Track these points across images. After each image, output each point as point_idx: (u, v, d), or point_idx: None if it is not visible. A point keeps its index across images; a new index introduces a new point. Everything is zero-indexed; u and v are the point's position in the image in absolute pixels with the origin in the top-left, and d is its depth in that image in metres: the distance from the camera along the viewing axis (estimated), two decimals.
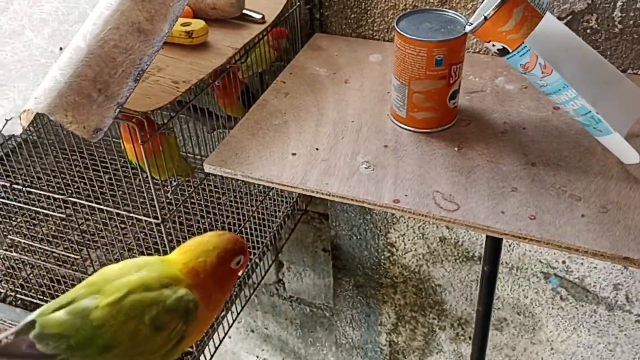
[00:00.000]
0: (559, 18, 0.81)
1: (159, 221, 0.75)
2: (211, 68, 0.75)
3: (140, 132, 0.66)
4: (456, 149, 0.70)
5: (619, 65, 0.82)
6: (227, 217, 1.00)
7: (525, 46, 0.62)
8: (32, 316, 0.43)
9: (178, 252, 0.53)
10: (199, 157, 1.09)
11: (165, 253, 0.74)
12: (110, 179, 1.01)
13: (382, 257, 1.18)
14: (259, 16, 0.85)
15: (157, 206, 0.73)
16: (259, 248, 1.03)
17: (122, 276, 0.46)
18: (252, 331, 1.56)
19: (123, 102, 0.57)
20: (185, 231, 0.96)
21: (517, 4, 0.60)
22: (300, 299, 1.43)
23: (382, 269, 1.19)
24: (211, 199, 1.04)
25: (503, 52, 0.63)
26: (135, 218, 0.77)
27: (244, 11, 0.85)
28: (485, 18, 0.62)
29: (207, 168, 0.69)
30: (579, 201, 0.62)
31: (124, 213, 0.78)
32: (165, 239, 0.78)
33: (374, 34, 0.93)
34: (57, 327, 0.42)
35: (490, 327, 0.94)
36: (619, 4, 0.78)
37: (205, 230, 0.82)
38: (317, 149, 0.71)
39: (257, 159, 0.69)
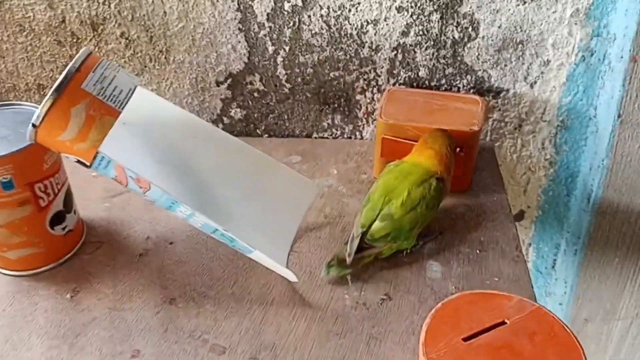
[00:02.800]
0: (218, 83, 0.66)
1: None
2: None
3: None
4: (70, 295, 0.50)
5: (301, 130, 0.69)
6: None
7: (103, 156, 0.43)
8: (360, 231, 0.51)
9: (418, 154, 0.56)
10: None
11: None
12: None
13: None
14: None
15: None
16: None
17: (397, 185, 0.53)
18: None
19: None
20: None
21: (74, 102, 0.42)
22: None
23: None
24: None
25: (84, 165, 0.45)
26: None
27: None
28: (35, 125, 0.43)
29: None
30: (223, 354, 0.45)
31: None
32: None
33: None
34: (382, 231, 0.50)
35: None
36: (279, 59, 0.64)
37: None
38: None
39: None
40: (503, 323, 0.42)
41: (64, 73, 0.42)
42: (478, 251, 0.53)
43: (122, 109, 0.43)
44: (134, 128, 0.49)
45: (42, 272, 0.51)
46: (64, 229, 0.52)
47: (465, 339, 0.41)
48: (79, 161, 0.44)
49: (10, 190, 0.47)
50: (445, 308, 0.43)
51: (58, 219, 0.51)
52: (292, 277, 0.49)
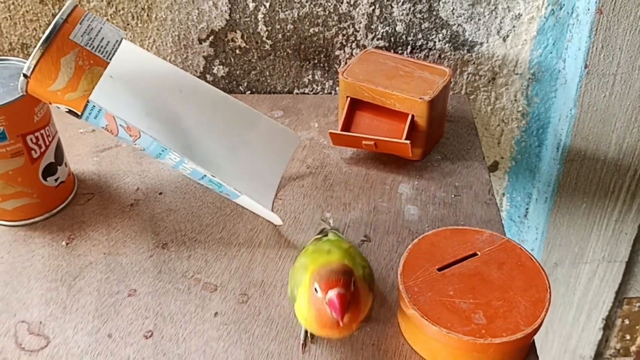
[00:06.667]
0: (200, 40, 0.67)
1: None
2: None
3: None
4: (65, 242, 0.52)
5: (283, 86, 0.70)
6: None
7: (94, 105, 0.45)
8: None
9: None
10: None
11: None
12: None
13: None
14: None
15: None
16: None
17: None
18: None
19: None
20: None
21: (63, 52, 0.43)
22: None
23: None
24: None
25: (75, 114, 0.46)
26: None
27: None
28: (26, 76, 0.44)
29: None
30: (215, 292, 0.48)
31: None
32: None
33: None
34: None
35: None
36: (260, 16, 0.65)
37: None
38: None
39: None
40: (474, 255, 0.46)
41: (52, 24, 0.43)
42: (453, 196, 0.57)
43: (110, 59, 0.45)
44: (121, 81, 0.51)
45: (37, 221, 0.53)
46: (56, 180, 0.53)
47: (439, 269, 0.44)
48: (70, 111, 0.45)
49: (4, 142, 0.48)
50: (421, 243, 0.46)
51: (50, 170, 0.53)
52: (277, 221, 0.51)
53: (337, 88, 0.70)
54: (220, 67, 0.69)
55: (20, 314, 0.46)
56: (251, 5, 0.64)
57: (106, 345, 0.44)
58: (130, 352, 0.43)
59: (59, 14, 0.43)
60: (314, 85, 0.70)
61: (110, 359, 0.43)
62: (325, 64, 0.68)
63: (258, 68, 0.69)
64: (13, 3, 0.65)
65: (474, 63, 0.68)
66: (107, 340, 0.44)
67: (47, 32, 0.43)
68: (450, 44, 0.67)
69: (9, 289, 0.48)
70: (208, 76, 0.69)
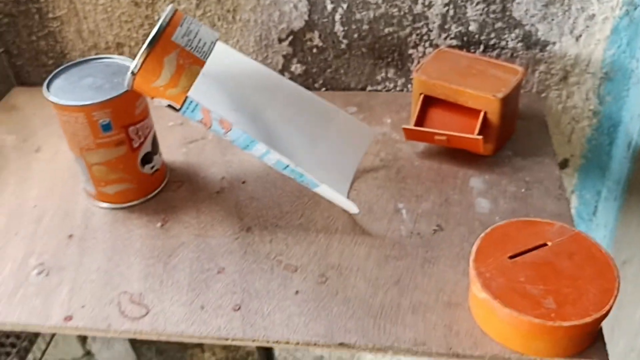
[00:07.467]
0: (280, 40, 0.71)
1: None
2: None
3: None
4: (160, 224, 0.57)
5: (356, 83, 0.74)
6: None
7: (192, 101, 0.50)
8: None
9: None
10: None
11: None
12: None
13: None
14: None
15: None
16: None
17: None
18: None
19: None
20: None
21: (166, 52, 0.48)
22: None
23: None
24: None
25: (173, 109, 0.51)
26: None
27: None
28: (133, 73, 0.49)
29: None
30: (295, 272, 0.52)
31: None
32: None
33: None
34: None
35: None
36: (337, 17, 0.69)
37: None
38: None
39: None
40: (545, 245, 0.47)
41: (156, 27, 0.48)
42: (523, 190, 0.58)
43: (206, 59, 0.49)
44: (211, 77, 0.55)
45: (134, 205, 0.59)
46: (152, 168, 0.59)
47: (510, 257, 0.46)
48: (169, 106, 0.50)
49: (109, 132, 0.54)
50: (493, 232, 0.48)
51: (147, 159, 0.58)
52: (353, 209, 0.55)
53: (409, 86, 0.73)
54: (298, 65, 0.73)
55: (123, 285, 0.51)
56: (329, 6, 0.68)
57: (199, 315, 0.48)
58: (221, 322, 0.48)
59: (162, 18, 0.48)
60: (387, 83, 0.73)
61: (203, 328, 0.47)
62: (399, 63, 0.71)
63: (333, 66, 0.72)
64: (110, 5, 0.71)
65: (545, 62, 0.69)
66: (200, 311, 0.49)
67: (152, 34, 0.48)
68: (522, 43, 0.68)
69: (112, 264, 0.53)
70: (286, 74, 0.74)
